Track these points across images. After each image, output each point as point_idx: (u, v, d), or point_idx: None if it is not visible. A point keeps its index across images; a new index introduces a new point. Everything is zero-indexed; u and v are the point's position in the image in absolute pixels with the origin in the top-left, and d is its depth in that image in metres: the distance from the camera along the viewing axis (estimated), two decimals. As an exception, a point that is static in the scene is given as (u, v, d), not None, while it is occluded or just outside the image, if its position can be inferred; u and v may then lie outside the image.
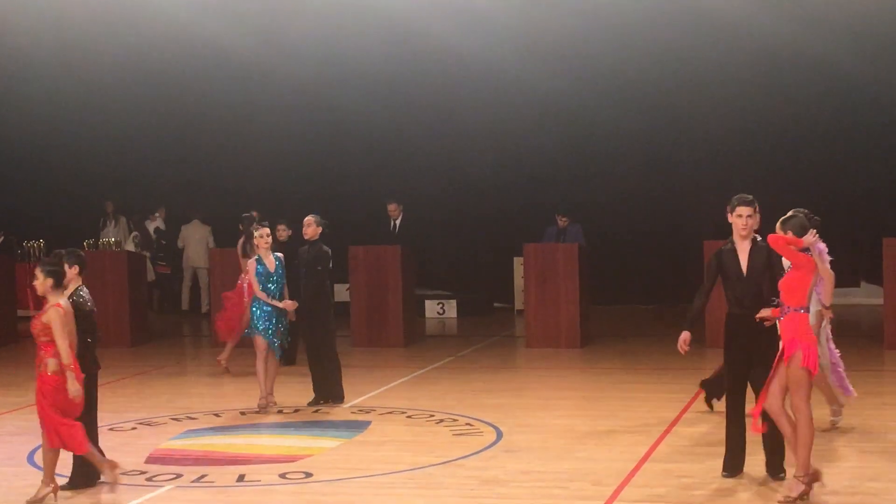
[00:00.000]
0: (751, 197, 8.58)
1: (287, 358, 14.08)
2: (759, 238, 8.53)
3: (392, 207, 17.97)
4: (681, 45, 20.72)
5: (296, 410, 12.05)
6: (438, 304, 21.89)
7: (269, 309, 11.95)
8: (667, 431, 10.35)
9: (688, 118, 21.50)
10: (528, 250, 16.97)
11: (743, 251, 8.52)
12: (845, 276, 21.32)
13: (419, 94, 22.42)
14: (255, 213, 15.47)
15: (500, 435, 10.49)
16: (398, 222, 17.97)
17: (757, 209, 8.55)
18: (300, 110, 22.73)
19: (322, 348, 12.36)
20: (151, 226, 23.33)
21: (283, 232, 15.42)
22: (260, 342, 11.95)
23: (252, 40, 21.66)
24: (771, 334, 8.39)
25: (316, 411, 11.98)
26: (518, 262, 20.41)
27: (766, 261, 8.46)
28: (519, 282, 20.67)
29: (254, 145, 23.10)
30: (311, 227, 12.43)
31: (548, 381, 14.13)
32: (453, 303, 21.91)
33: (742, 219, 8.49)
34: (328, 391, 12.39)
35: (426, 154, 22.64)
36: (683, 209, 19.94)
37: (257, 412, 11.86)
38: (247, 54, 21.78)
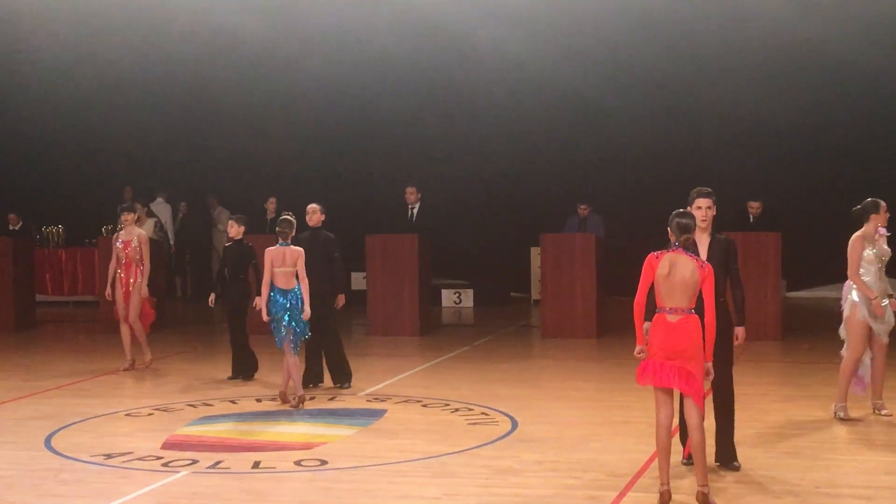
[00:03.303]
0: (709, 189, 8.54)
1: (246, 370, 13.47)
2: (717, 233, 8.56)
3: (410, 191, 17.96)
4: (701, 37, 20.73)
5: (311, 398, 12.08)
6: (455, 293, 21.91)
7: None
8: (682, 423, 10.33)
9: (708, 110, 21.49)
10: (544, 240, 16.97)
11: (702, 244, 8.43)
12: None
13: (437, 84, 22.44)
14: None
15: (515, 425, 10.49)
16: (415, 210, 17.98)
17: (715, 201, 8.50)
18: (318, 99, 22.77)
19: (333, 335, 12.66)
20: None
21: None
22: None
23: (271, 28, 21.72)
24: (726, 329, 8.34)
25: (331, 399, 12.01)
26: (535, 252, 20.41)
27: (724, 255, 8.42)
28: (536, 272, 20.67)
29: (272, 134, 23.16)
30: (317, 214, 12.77)
31: (563, 372, 14.13)
32: (470, 292, 21.93)
33: (702, 210, 8.41)
34: (340, 374, 12.71)
35: (444, 143, 22.66)
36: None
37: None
38: (266, 43, 21.83)
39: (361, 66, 22.33)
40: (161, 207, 22.96)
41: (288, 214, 12.00)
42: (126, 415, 11.32)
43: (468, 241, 22.57)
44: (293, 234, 11.73)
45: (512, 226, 22.42)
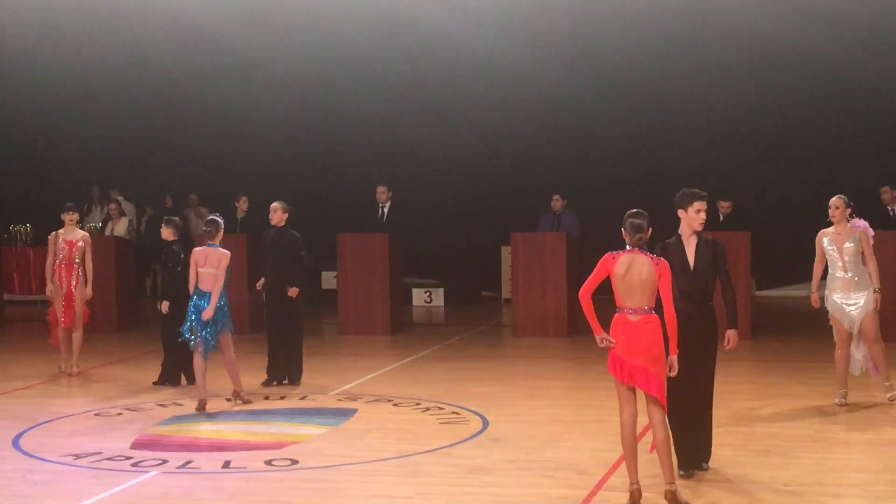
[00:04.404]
0: (705, 192, 8.53)
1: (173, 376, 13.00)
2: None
3: (381, 190, 17.93)
4: (675, 37, 20.79)
5: (282, 397, 12.06)
6: (426, 292, 21.90)
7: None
8: (652, 421, 10.36)
9: (680, 110, 21.58)
10: (515, 239, 16.98)
11: (690, 245, 8.43)
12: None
13: (410, 83, 22.42)
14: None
15: (486, 424, 10.49)
16: (386, 209, 17.93)
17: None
18: (290, 97, 22.71)
19: (294, 331, 12.78)
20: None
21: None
22: (228, 337, 11.57)
23: (246, 28, 21.64)
24: (710, 331, 8.35)
25: (302, 398, 11.98)
26: (506, 251, 20.43)
27: (712, 255, 8.41)
28: (506, 270, 20.69)
29: (243, 132, 23.08)
30: (278, 213, 12.83)
31: (534, 371, 14.14)
32: (441, 291, 21.93)
33: (700, 214, 8.41)
34: (291, 372, 12.80)
35: (416, 142, 22.64)
36: (672, 201, 19.99)
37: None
38: (240, 43, 21.76)
39: (334, 65, 22.29)
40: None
41: (215, 215, 11.85)
42: (95, 414, 11.26)
43: (439, 240, 22.57)
44: (220, 235, 11.47)
45: (483, 225, 22.43)
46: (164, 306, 12.67)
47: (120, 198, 22.70)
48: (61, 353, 13.79)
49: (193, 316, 11.23)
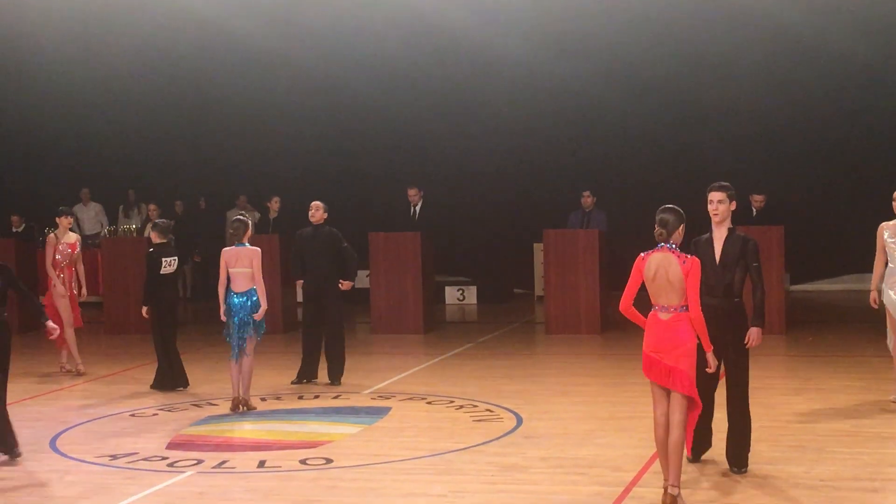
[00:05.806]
0: (724, 183, 8.43)
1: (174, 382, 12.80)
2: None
3: (412, 192, 18.02)
4: (700, 36, 20.71)
5: (316, 396, 12.09)
6: (458, 290, 21.90)
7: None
8: (687, 418, 10.31)
9: (707, 107, 21.46)
10: (548, 236, 16.95)
11: (718, 239, 8.38)
12: (865, 261, 21.37)
13: (439, 82, 22.41)
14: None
15: (519, 421, 10.49)
16: (418, 208, 17.99)
17: (731, 195, 8.37)
18: (319, 98, 22.74)
19: (336, 329, 12.81)
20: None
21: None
22: (253, 341, 11.51)
23: (270, 28, 21.70)
24: (742, 323, 8.30)
25: (336, 397, 12.01)
26: (538, 248, 20.39)
27: (740, 251, 8.32)
28: (539, 268, 20.66)
29: (273, 133, 23.13)
30: (320, 211, 13.00)
31: (568, 368, 14.12)
32: (473, 289, 21.92)
33: (713, 204, 8.36)
34: (332, 373, 12.80)
35: (446, 140, 22.63)
36: (703, 197, 19.89)
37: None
38: (265, 42, 21.82)
39: (363, 65, 22.31)
40: (89, 211, 22.64)
41: (241, 215, 11.83)
42: (131, 415, 11.33)
43: (471, 238, 22.56)
44: (248, 233, 11.47)
45: (515, 222, 22.39)
46: (144, 311, 12.75)
47: (91, 200, 22.68)
48: (71, 353, 13.89)
49: (234, 318, 11.24)
